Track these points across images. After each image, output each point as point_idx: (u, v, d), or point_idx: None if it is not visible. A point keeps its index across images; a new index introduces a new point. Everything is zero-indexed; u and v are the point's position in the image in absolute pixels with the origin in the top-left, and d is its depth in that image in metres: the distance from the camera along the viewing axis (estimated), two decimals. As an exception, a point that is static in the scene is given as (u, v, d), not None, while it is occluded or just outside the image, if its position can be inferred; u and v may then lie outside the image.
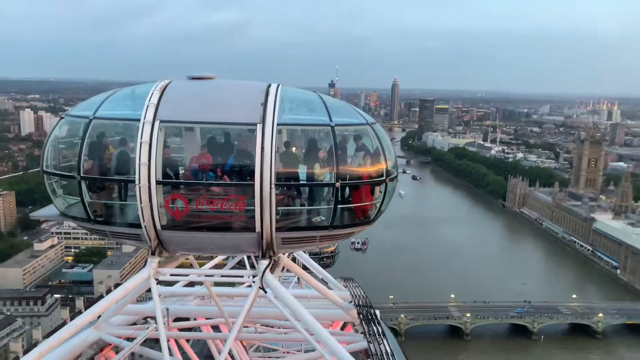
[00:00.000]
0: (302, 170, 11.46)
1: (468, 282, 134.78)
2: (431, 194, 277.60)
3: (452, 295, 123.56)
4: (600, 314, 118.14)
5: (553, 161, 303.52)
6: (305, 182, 11.52)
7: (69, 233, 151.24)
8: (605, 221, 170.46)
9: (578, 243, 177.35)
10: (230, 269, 15.83)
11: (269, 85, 11.85)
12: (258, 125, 10.96)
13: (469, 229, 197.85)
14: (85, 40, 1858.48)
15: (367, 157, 11.89)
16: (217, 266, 16.44)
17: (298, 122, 12.37)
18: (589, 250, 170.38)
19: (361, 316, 14.56)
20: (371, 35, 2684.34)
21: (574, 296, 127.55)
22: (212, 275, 14.01)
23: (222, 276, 13.64)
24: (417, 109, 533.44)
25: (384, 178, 11.86)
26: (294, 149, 11.70)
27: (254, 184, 10.74)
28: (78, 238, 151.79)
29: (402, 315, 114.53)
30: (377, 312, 14.83)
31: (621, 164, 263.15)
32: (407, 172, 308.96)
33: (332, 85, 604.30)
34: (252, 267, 13.36)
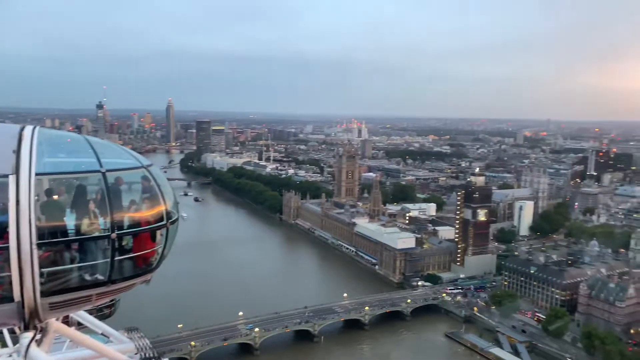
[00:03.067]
0: (70, 224, 10.07)
1: (256, 297, 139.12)
2: (214, 215, 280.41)
3: (240, 313, 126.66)
4: (367, 307, 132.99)
5: (319, 175, 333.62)
6: (74, 236, 10.08)
7: None
8: (363, 224, 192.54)
9: (344, 246, 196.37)
10: None
11: (23, 129, 10.33)
12: (10, 176, 9.53)
13: (253, 246, 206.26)
14: None
15: (145, 201, 11.00)
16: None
17: (62, 171, 10.66)
18: (353, 251, 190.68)
19: None
20: (141, 56, 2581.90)
21: (345, 295, 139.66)
22: None
23: None
24: (194, 130, 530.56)
25: (164, 222, 11.04)
26: (58, 198, 10.27)
27: (8, 245, 9.27)
28: None
29: (193, 343, 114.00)
30: None
31: (371, 174, 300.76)
32: (189, 194, 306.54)
33: (100, 106, 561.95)
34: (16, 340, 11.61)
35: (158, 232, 11.11)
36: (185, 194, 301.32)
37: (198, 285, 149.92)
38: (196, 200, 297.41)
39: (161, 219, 11.01)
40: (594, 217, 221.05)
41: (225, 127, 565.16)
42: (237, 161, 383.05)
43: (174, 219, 11.30)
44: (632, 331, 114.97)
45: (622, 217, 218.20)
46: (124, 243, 10.53)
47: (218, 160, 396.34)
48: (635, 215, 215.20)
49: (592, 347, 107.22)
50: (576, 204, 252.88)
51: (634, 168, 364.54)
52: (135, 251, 10.81)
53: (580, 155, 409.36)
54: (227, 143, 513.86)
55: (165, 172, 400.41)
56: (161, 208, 11.03)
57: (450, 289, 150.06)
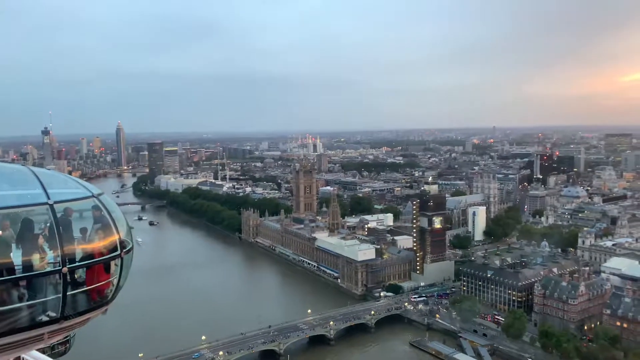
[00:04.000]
0: (16, 260, 9.62)
1: (219, 320, 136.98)
2: (171, 238, 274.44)
3: (203, 337, 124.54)
4: (331, 322, 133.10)
5: (277, 191, 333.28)
6: (22, 273, 9.58)
7: None
8: (323, 238, 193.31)
9: (306, 261, 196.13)
10: None
11: None
12: None
13: (213, 267, 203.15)
14: None
15: (97, 232, 10.68)
16: None
17: (5, 205, 9.98)
18: (315, 266, 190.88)
19: None
20: (87, 78, 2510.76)
21: (309, 311, 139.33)
22: None
23: None
24: (146, 153, 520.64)
25: (118, 252, 10.72)
26: (2, 234, 9.78)
27: None
28: None
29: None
30: None
31: (328, 188, 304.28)
32: (144, 218, 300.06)
33: (46, 132, 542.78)
34: None
35: (112, 263, 10.79)
36: (140, 218, 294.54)
37: (158, 312, 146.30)
38: (151, 224, 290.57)
39: (115, 249, 10.71)
40: (543, 219, 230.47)
41: (179, 147, 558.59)
42: (192, 182, 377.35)
43: (128, 248, 11.02)
44: (585, 327, 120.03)
45: (569, 217, 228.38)
46: (76, 277, 10.12)
47: (172, 181, 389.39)
48: (580, 215, 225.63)
49: (549, 345, 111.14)
50: (525, 206, 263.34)
51: (575, 170, 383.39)
52: (89, 284, 10.42)
53: (526, 159, 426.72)
54: (181, 164, 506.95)
55: (117, 196, 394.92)
56: (114, 237, 10.73)
57: (414, 297, 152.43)
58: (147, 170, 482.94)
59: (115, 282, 10.94)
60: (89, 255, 10.36)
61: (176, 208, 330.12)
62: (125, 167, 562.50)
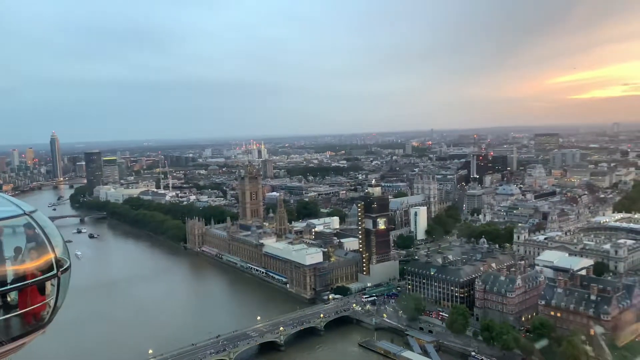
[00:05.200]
0: None
1: (166, 333, 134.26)
2: (113, 251, 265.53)
3: (150, 351, 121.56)
4: (281, 328, 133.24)
5: (222, 199, 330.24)
6: None
7: None
8: (271, 244, 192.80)
9: (254, 268, 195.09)
10: None
11: None
12: None
13: (159, 280, 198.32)
14: None
15: (30, 252, 10.16)
16: None
17: None
18: (263, 272, 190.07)
19: None
20: (14, 86, 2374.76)
21: (259, 318, 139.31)
22: None
23: None
24: (84, 163, 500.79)
25: (54, 272, 10.20)
26: None
27: None
28: None
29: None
30: None
31: (275, 193, 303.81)
32: (83, 231, 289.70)
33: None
34: None
35: (48, 283, 10.21)
36: (79, 231, 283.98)
37: (100, 330, 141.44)
38: (91, 236, 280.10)
39: (50, 269, 10.15)
40: (481, 217, 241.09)
41: (118, 157, 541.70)
42: (134, 192, 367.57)
43: (65, 266, 10.49)
44: (523, 318, 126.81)
45: (504, 214, 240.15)
46: (8, 300, 9.60)
47: (112, 192, 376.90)
48: (514, 212, 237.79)
49: (491, 338, 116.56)
50: (464, 205, 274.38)
51: (509, 169, 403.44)
52: (22, 307, 9.85)
53: (463, 160, 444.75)
54: (121, 174, 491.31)
55: (54, 209, 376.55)
56: (49, 257, 10.18)
57: (365, 297, 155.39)
58: (85, 181, 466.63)
59: (52, 303, 10.41)
60: (21, 277, 9.78)
61: (117, 219, 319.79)
62: (62, 179, 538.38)
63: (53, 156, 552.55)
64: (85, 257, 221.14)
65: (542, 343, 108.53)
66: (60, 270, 10.37)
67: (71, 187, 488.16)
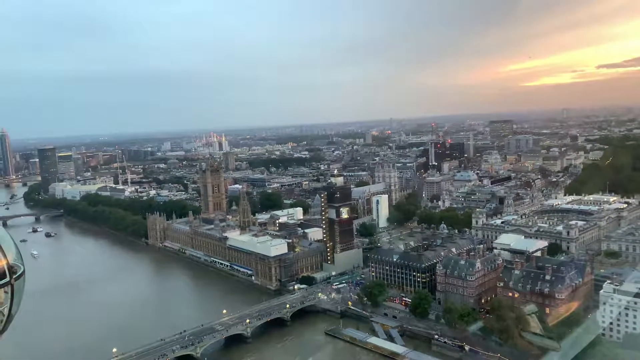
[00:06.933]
0: None
1: (130, 332, 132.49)
2: (72, 250, 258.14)
3: (114, 350, 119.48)
4: (247, 320, 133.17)
5: (183, 193, 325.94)
6: None
7: None
8: (234, 237, 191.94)
9: (218, 262, 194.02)
10: None
11: None
12: None
13: (120, 278, 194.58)
14: None
15: None
16: None
17: None
18: (227, 266, 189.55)
19: None
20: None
21: (224, 311, 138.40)
22: None
23: None
24: (37, 160, 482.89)
25: (8, 279, 9.88)
26: None
27: None
28: None
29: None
30: None
31: (237, 186, 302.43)
32: (39, 229, 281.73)
33: None
34: None
35: (0, 291, 9.86)
36: (35, 230, 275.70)
37: (61, 332, 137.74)
38: (48, 235, 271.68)
39: (3, 276, 9.79)
40: (440, 203, 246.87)
41: (73, 152, 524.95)
42: (91, 188, 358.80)
43: (19, 273, 10.11)
44: (483, 301, 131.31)
45: (463, 199, 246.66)
46: None
47: (69, 189, 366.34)
48: (472, 197, 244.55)
49: (452, 321, 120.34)
50: (424, 192, 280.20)
51: (466, 155, 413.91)
52: None
53: (421, 148, 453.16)
54: (77, 170, 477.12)
55: (7, 209, 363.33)
56: (1, 263, 9.80)
57: (335, 285, 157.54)
58: (40, 178, 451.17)
59: (5, 311, 10.00)
60: None
61: (75, 217, 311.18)
62: (14, 177, 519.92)
63: (3, 153, 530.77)
64: (42, 256, 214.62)
65: (501, 324, 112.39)
66: (14, 277, 9.95)
67: (24, 184, 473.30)
